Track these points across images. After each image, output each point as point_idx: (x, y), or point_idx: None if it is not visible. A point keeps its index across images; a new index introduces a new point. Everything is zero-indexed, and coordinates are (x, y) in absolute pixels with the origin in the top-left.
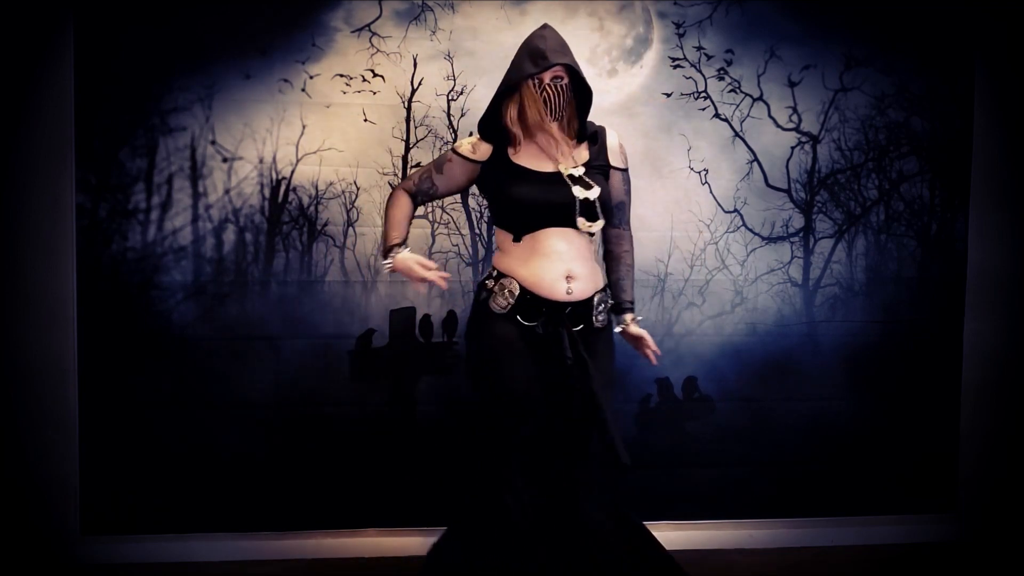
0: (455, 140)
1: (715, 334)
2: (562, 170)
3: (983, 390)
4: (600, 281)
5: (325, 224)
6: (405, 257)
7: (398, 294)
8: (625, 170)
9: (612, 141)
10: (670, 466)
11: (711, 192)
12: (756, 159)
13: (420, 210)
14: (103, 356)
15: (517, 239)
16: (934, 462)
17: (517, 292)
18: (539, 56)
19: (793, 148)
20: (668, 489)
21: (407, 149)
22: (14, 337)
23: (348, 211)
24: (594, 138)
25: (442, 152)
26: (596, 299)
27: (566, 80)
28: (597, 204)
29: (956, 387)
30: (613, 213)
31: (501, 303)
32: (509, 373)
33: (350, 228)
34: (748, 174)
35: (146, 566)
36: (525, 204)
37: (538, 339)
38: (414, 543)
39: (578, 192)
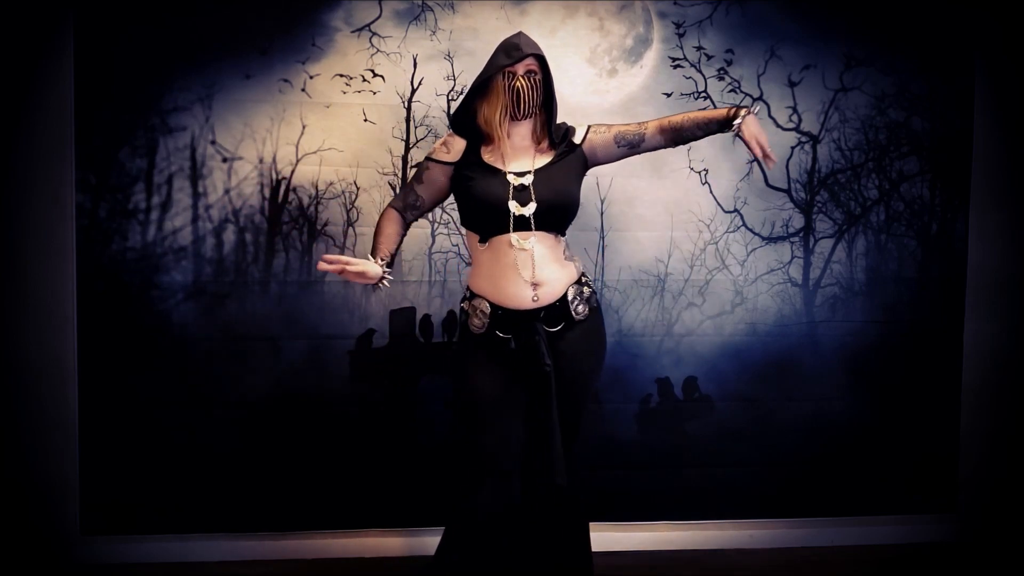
0: None
1: (715, 334)
2: (510, 179)
3: (983, 390)
4: (573, 275)
5: (325, 224)
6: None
7: (398, 294)
8: (593, 125)
9: (578, 128)
10: (670, 466)
11: (711, 192)
12: (756, 159)
13: None
14: (103, 356)
15: (483, 240)
16: (934, 462)
17: (488, 311)
18: (513, 49)
19: (793, 148)
20: (668, 489)
21: (407, 149)
22: (14, 337)
23: (348, 211)
24: (563, 136)
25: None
26: (571, 294)
27: (539, 76)
28: (532, 220)
29: (956, 387)
30: (630, 156)
31: (477, 324)
32: (474, 387)
33: (350, 228)
34: (748, 174)
35: (146, 566)
36: (490, 203)
37: (516, 351)
38: (414, 543)
39: (513, 207)
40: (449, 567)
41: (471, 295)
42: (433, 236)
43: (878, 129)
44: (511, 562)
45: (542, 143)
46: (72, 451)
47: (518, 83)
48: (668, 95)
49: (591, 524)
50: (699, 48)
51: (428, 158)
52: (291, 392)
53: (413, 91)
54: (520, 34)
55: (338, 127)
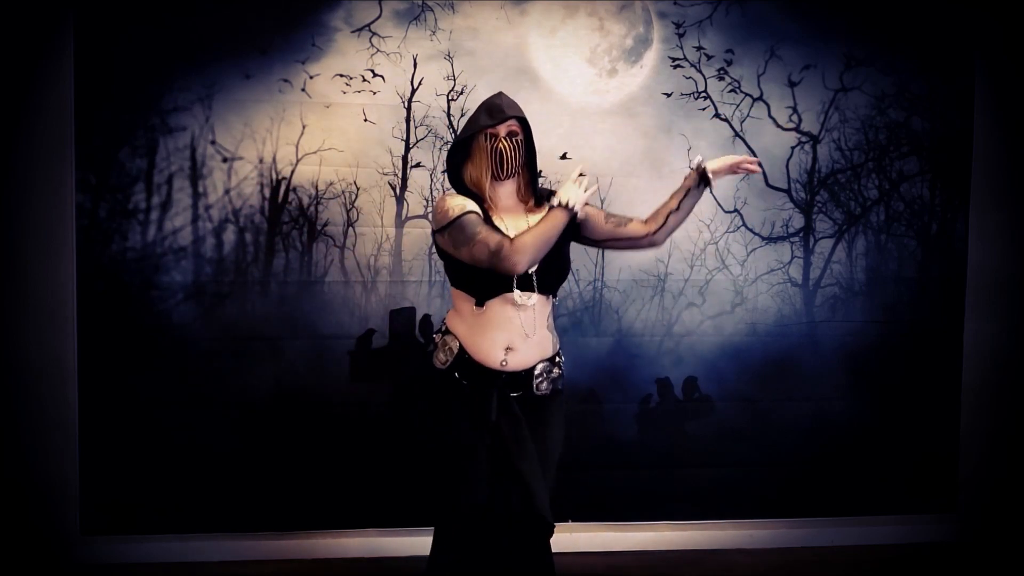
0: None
1: (715, 334)
2: (510, 235)
3: (983, 390)
4: (548, 350)
5: (325, 224)
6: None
7: (398, 294)
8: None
9: None
10: (670, 466)
11: (711, 192)
12: (748, 171)
13: (421, 210)
14: (103, 356)
15: (480, 304)
16: (934, 462)
17: (456, 351)
18: (495, 110)
19: (793, 148)
20: (668, 489)
21: (407, 149)
22: (14, 337)
23: (348, 211)
24: (550, 196)
25: (466, 229)
26: (538, 369)
27: (521, 137)
28: (535, 277)
29: (956, 387)
30: (616, 237)
31: (441, 359)
32: (436, 423)
33: (350, 228)
34: (748, 174)
35: (146, 566)
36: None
37: (470, 395)
38: (414, 543)
39: None
40: (450, 567)
41: (445, 330)
42: (433, 236)
43: (878, 129)
44: (506, 563)
45: (528, 202)
46: (72, 451)
47: (500, 144)
48: (668, 95)
49: (591, 524)
50: (699, 48)
51: (470, 211)
52: (291, 392)
53: (413, 91)
54: (501, 95)
55: (338, 127)
